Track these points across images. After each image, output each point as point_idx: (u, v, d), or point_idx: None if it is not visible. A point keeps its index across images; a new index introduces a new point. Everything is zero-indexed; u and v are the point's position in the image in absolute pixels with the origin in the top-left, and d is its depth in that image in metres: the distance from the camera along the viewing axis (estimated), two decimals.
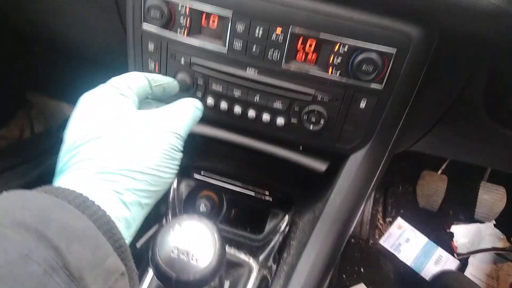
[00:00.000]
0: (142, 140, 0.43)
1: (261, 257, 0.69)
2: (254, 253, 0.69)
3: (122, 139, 0.42)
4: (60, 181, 0.40)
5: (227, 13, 0.55)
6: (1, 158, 1.42)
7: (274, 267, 0.67)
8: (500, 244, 1.47)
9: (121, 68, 0.76)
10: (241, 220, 0.74)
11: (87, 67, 1.33)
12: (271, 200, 0.76)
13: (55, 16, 0.92)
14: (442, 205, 1.52)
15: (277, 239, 0.71)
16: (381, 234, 1.52)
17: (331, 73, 0.57)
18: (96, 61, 1.15)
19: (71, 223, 0.33)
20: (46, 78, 1.55)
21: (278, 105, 0.61)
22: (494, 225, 1.51)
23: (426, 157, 1.54)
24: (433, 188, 1.50)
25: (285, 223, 0.73)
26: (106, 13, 0.78)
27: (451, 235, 1.51)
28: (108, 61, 1.08)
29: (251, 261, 0.67)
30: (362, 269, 1.42)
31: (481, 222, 1.50)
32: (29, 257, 0.29)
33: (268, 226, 0.72)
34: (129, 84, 0.49)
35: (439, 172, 1.55)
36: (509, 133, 0.77)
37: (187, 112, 0.50)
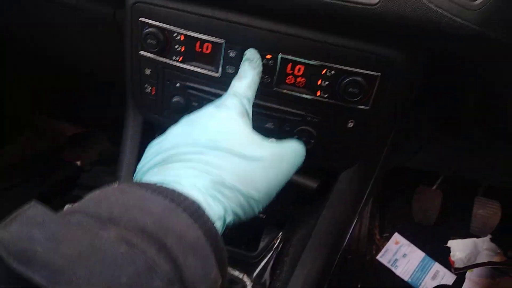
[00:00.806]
0: (259, 166, 0.43)
1: (255, 274, 0.71)
2: (248, 270, 0.70)
3: (240, 158, 0.42)
4: (172, 176, 0.39)
5: (220, 40, 0.58)
6: (3, 177, 1.44)
7: (268, 283, 0.69)
8: (497, 259, 1.48)
9: (121, 88, 0.79)
10: (236, 237, 0.75)
11: (88, 87, 1.37)
12: (264, 217, 0.78)
13: (57, 39, 0.96)
14: (438, 220, 1.53)
15: (270, 255, 0.73)
16: (378, 250, 1.53)
17: (320, 95, 0.59)
18: (97, 81, 1.18)
19: (185, 233, 0.33)
20: (49, 99, 1.59)
21: (269, 125, 0.64)
22: (491, 239, 1.52)
23: (422, 172, 1.56)
24: (428, 203, 1.52)
25: (278, 240, 0.75)
26: (108, 37, 0.81)
27: (448, 250, 1.52)
28: (108, 82, 1.11)
29: (245, 278, 0.68)
30: (359, 285, 1.43)
31: (477, 236, 1.52)
32: (155, 270, 0.29)
33: (262, 243, 0.74)
34: (249, 97, 0.50)
35: (434, 187, 1.57)
36: (502, 145, 0.79)
37: (300, 154, 0.51)
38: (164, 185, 0.36)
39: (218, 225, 0.38)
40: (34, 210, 0.29)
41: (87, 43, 0.90)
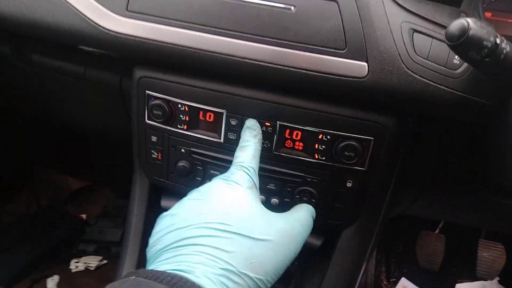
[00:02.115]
0: (267, 248, 0.44)
1: None
2: None
3: (249, 240, 0.43)
4: (185, 265, 0.40)
5: (221, 110, 0.62)
6: (7, 234, 1.45)
7: None
8: None
9: (124, 147, 0.82)
10: None
11: (92, 144, 1.40)
12: None
13: (65, 105, 1.00)
14: (443, 264, 1.52)
15: None
16: None
17: (317, 158, 0.62)
18: (102, 140, 1.22)
19: None
20: (52, 154, 1.62)
21: (272, 186, 0.66)
22: (498, 281, 1.50)
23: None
24: (431, 248, 1.51)
25: None
26: (113, 104, 0.85)
27: None
28: (113, 141, 1.14)
29: None
30: None
31: (484, 279, 1.50)
32: None
33: None
34: (255, 168, 0.52)
35: (437, 231, 1.57)
36: (494, 198, 0.81)
37: (308, 226, 0.52)
38: (178, 275, 0.38)
39: None
40: None
41: (91, 109, 0.94)
